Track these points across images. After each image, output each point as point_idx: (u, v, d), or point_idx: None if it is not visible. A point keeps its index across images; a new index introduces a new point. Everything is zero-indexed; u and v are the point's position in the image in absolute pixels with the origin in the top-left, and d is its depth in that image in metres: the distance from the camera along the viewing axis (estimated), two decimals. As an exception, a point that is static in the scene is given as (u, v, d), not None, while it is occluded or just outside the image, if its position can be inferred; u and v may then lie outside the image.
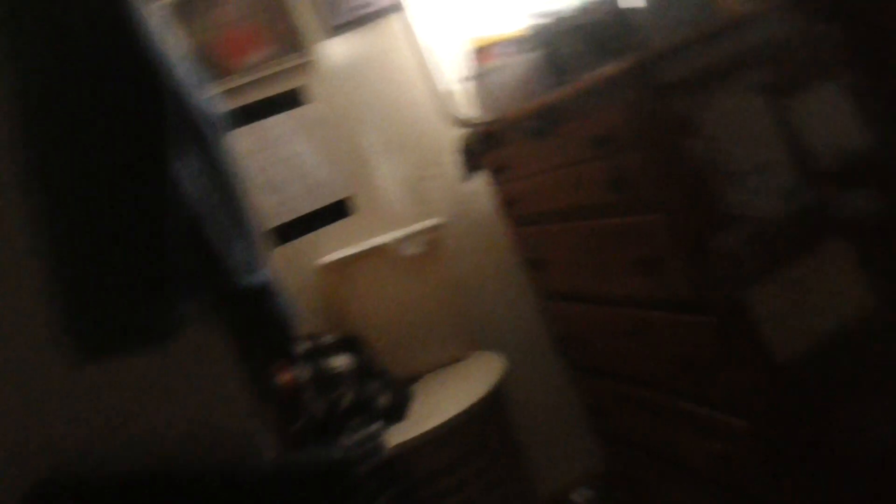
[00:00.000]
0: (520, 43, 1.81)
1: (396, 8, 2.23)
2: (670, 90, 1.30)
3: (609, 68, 1.34)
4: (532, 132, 1.61)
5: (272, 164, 2.12)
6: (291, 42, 2.10)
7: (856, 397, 1.42)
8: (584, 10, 1.62)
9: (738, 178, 1.35)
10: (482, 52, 1.87)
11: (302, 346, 2.04)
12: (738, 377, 1.36)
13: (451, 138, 2.17)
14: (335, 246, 2.14)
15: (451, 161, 2.24)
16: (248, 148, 2.11)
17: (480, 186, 2.25)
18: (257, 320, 1.16)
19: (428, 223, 2.11)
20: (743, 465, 1.42)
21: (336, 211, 2.17)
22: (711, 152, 1.33)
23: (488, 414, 1.92)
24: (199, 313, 1.06)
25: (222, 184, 1.09)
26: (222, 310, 1.09)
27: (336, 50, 2.21)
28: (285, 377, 1.94)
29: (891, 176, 1.45)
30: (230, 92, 2.07)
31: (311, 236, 2.16)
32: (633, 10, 1.53)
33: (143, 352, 0.99)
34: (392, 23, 2.26)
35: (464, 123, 2.01)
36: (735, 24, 1.41)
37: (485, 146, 1.92)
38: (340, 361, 2.03)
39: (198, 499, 1.10)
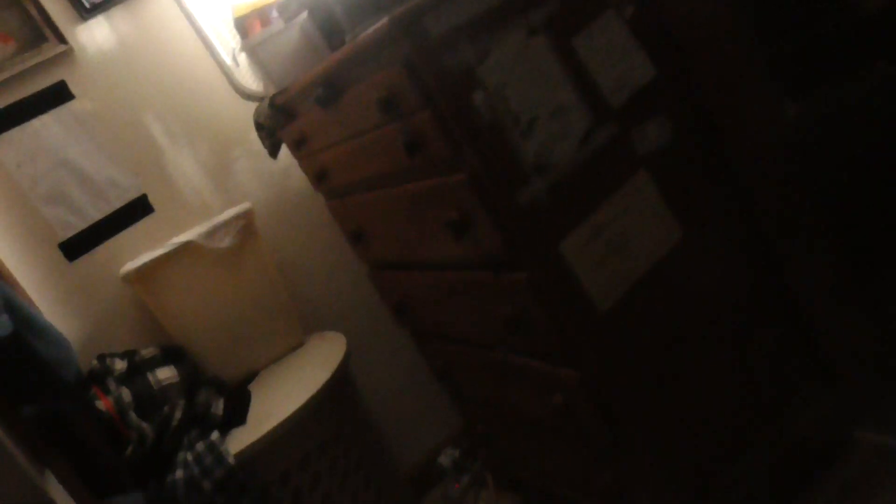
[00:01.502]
0: (282, 7, 1.65)
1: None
2: (446, 41, 1.22)
3: (377, 24, 1.23)
4: (318, 101, 1.49)
5: (48, 172, 1.88)
6: (38, 32, 1.83)
7: (679, 331, 1.43)
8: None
9: (532, 128, 1.29)
10: (248, 21, 1.70)
11: (119, 366, 1.86)
12: (563, 329, 1.33)
13: (246, 115, 2.00)
14: (138, 251, 1.94)
15: (251, 140, 2.08)
16: (17, 158, 1.85)
17: (291, 161, 2.11)
18: (10, 370, 1.00)
19: (237, 210, 1.95)
20: (581, 414, 1.41)
21: (131, 213, 1.96)
22: (501, 102, 1.26)
23: (335, 399, 1.83)
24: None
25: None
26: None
27: (97, 35, 1.96)
28: (103, 404, 1.76)
29: (678, 102, 1.45)
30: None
31: (108, 244, 1.95)
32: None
33: None
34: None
35: (252, 98, 1.85)
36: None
37: (278, 120, 1.77)
38: (164, 374, 1.86)
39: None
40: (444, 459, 2.31)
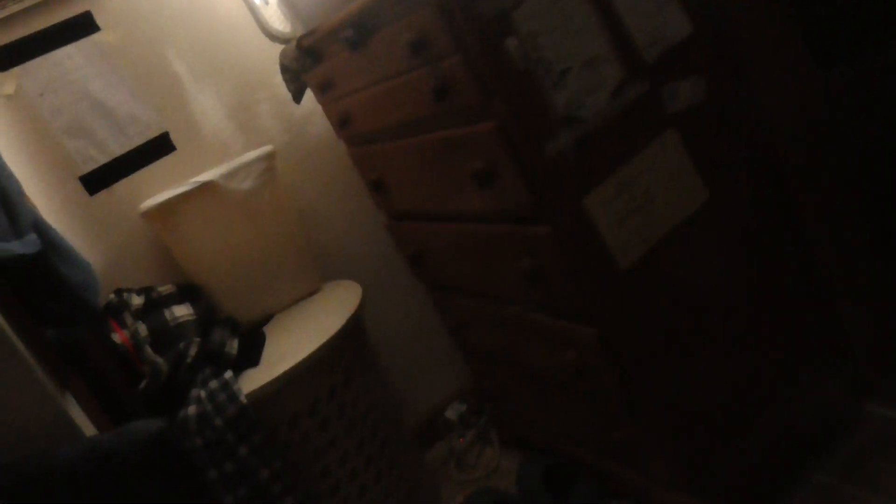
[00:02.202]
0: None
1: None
2: (482, -15, 1.19)
3: (414, -36, 1.21)
4: (347, 43, 1.47)
5: (70, 103, 1.87)
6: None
7: (697, 294, 1.43)
8: None
9: (564, 79, 1.27)
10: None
11: (136, 301, 1.87)
12: (583, 286, 1.33)
13: (272, 57, 1.98)
14: (158, 188, 1.94)
15: (276, 83, 2.06)
16: (39, 87, 1.85)
17: (315, 106, 2.09)
18: (35, 291, 1.00)
19: (259, 153, 1.94)
20: (596, 373, 1.41)
21: (153, 150, 1.96)
22: (534, 50, 1.24)
23: (348, 347, 1.84)
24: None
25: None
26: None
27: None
28: (119, 337, 1.78)
29: (712, 62, 1.42)
30: (2, 22, 1.79)
31: (128, 180, 1.94)
32: None
33: None
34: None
35: (279, 39, 1.83)
36: None
37: (305, 63, 1.76)
38: (181, 312, 1.87)
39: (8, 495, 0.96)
40: (451, 413, 2.33)
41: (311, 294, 2.07)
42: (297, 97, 1.95)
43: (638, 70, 1.34)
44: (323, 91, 1.78)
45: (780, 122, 1.48)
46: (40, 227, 1.11)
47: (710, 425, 1.45)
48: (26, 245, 0.97)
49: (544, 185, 1.28)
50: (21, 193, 1.09)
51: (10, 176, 1.09)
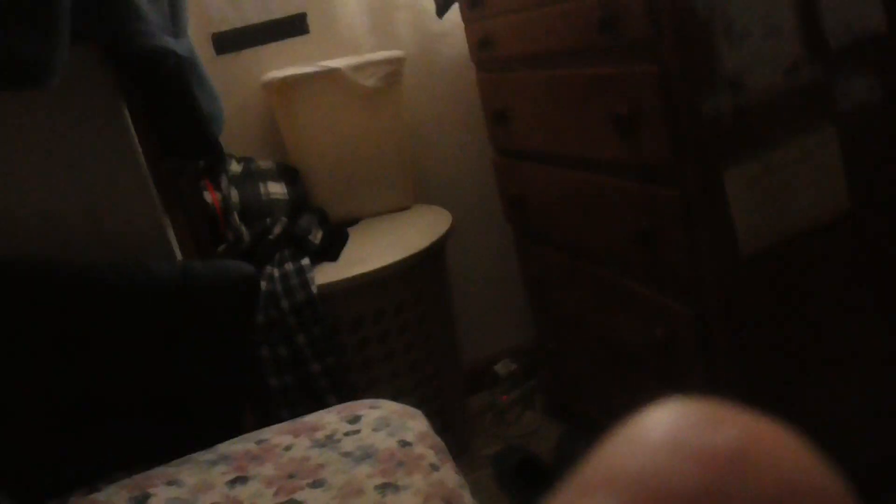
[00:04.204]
0: None
1: None
2: (690, -82, 1.12)
3: None
4: (521, -44, 1.41)
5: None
6: None
7: (816, 304, 1.35)
8: None
9: (742, 40, 1.20)
10: None
11: (234, 168, 1.87)
12: (695, 263, 1.26)
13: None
14: (282, 65, 1.93)
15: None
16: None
17: (453, 26, 2.04)
18: (169, 95, 0.98)
19: (389, 54, 1.91)
20: (680, 354, 1.35)
21: (288, 27, 1.94)
22: (721, 2, 1.17)
23: (425, 269, 1.81)
24: (96, 73, 0.88)
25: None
26: (126, 72, 0.91)
27: None
28: (211, 197, 1.78)
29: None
30: None
31: (257, 50, 1.93)
32: None
33: (7, 87, 0.80)
34: None
35: (444, -56, 1.78)
36: None
37: (464, -27, 1.71)
38: (275, 189, 1.87)
39: (91, 291, 0.96)
40: (501, 369, 2.29)
41: (400, 209, 2.05)
42: (442, 11, 1.90)
43: (818, 54, 1.25)
44: (471, 7, 1.73)
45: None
46: (187, 45, 1.09)
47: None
48: (181, 45, 0.96)
49: (689, 146, 1.21)
50: (186, -1, 1.07)
51: None
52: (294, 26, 1.95)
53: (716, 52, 1.18)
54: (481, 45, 1.74)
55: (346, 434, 1.01)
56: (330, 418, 1.04)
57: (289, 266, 1.73)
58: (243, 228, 1.75)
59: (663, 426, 0.18)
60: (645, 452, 0.17)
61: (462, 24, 1.85)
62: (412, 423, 1.05)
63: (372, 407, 1.09)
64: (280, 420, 1.70)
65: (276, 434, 1.03)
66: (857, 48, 1.28)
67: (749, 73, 1.21)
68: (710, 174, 1.22)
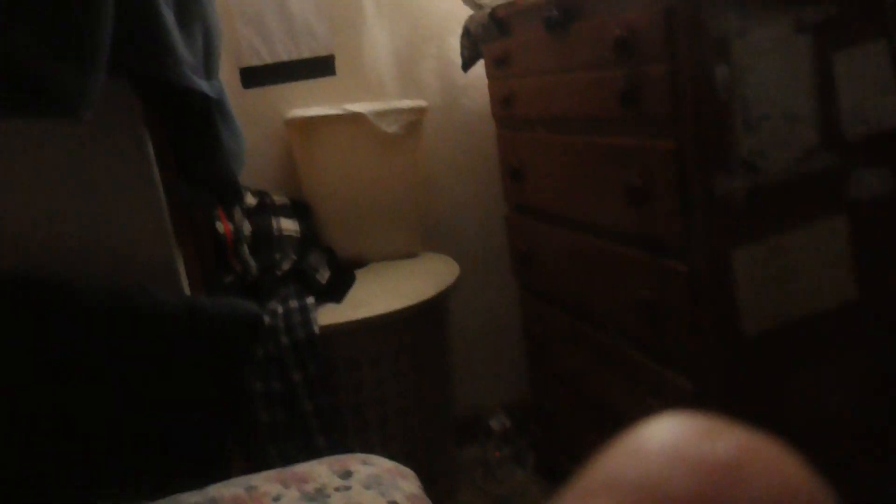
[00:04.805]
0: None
1: None
2: (715, 3, 1.15)
3: (655, -39, 1.17)
4: (547, 23, 1.44)
5: (257, -4, 1.91)
6: None
7: (810, 385, 1.34)
8: None
9: (759, 124, 1.21)
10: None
11: (249, 200, 1.89)
12: (697, 339, 1.26)
13: (456, 17, 1.97)
14: (306, 104, 1.96)
15: (448, 44, 2.06)
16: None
17: (476, 79, 2.08)
18: (194, 132, 1.00)
19: (412, 103, 1.94)
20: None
21: (315, 67, 1.98)
22: (740, 86, 1.19)
23: (427, 317, 1.81)
24: (124, 103, 0.90)
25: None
26: (153, 105, 0.93)
27: None
28: (224, 228, 1.80)
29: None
30: None
31: (283, 87, 1.97)
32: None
33: (34, 115, 0.82)
34: None
35: (473, 3, 1.82)
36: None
37: (490, 33, 1.74)
38: (287, 225, 1.89)
39: (91, 314, 0.97)
40: (495, 423, 2.27)
41: (408, 256, 2.06)
42: (467, 65, 1.94)
43: (834, 142, 1.26)
44: (497, 65, 1.76)
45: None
46: (217, 85, 1.12)
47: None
48: (212, 87, 0.98)
49: (699, 223, 1.22)
50: (221, 41, 1.10)
51: (219, 22, 1.09)
52: (321, 67, 1.99)
53: (732, 134, 1.19)
54: (503, 102, 1.76)
55: (337, 489, 1.00)
56: (321, 470, 1.03)
57: (293, 303, 1.73)
58: (252, 261, 1.77)
59: (663, 436, 0.19)
60: (645, 460, 0.18)
61: (486, 80, 1.88)
62: (403, 484, 1.05)
63: (364, 462, 1.08)
64: (265, 455, 1.70)
65: (265, 481, 1.03)
66: (874, 140, 1.29)
67: (764, 156, 1.22)
68: (719, 252, 1.23)
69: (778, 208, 1.25)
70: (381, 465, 1.09)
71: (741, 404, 1.29)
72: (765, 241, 1.26)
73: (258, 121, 1.97)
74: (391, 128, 1.85)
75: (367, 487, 1.01)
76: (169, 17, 0.83)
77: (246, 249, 1.77)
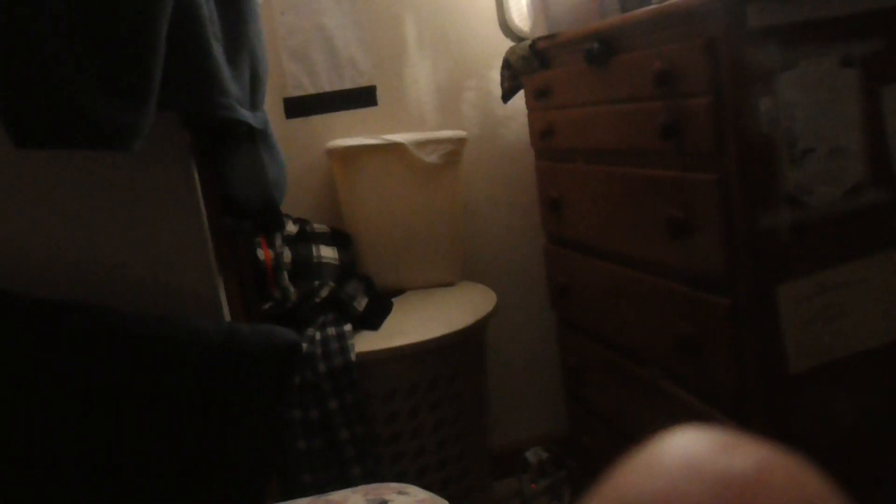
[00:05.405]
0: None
1: None
2: (759, 35, 1.14)
3: (698, -5, 1.17)
4: (587, 56, 1.45)
5: (304, 30, 1.95)
6: None
7: (855, 425, 1.30)
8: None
9: (804, 158, 1.20)
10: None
11: (290, 228, 1.91)
12: (741, 376, 1.23)
13: (497, 50, 1.99)
14: (347, 134, 1.99)
15: (488, 76, 2.07)
16: (282, 6, 1.93)
17: (515, 111, 2.09)
18: (239, 164, 1.02)
19: (452, 133, 1.95)
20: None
21: (357, 98, 2.01)
22: (785, 119, 1.17)
23: (464, 347, 1.81)
24: (172, 134, 0.92)
25: (235, 2, 0.93)
26: (199, 138, 0.95)
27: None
28: (264, 254, 1.82)
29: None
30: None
31: (325, 117, 2.00)
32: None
33: (88, 148, 0.84)
34: None
35: (512, 36, 1.83)
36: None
37: (530, 65, 1.75)
38: (326, 253, 1.90)
39: (132, 342, 0.98)
40: (531, 456, 2.25)
41: (446, 285, 2.06)
42: (507, 97, 1.95)
43: (882, 177, 1.24)
44: (537, 97, 1.77)
45: None
46: (262, 117, 1.14)
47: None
48: (257, 118, 1.00)
49: (743, 258, 1.20)
50: (267, 73, 1.12)
51: (265, 53, 1.12)
52: (363, 98, 2.02)
53: (777, 168, 1.18)
54: (543, 134, 1.77)
55: (371, 518, 1.00)
56: (356, 499, 1.03)
57: (331, 330, 1.74)
58: (291, 288, 1.78)
59: (679, 451, 0.19)
60: (662, 475, 0.18)
61: (525, 111, 1.89)
62: (438, 514, 1.04)
63: (399, 492, 1.07)
64: (300, 483, 1.70)
65: (301, 510, 1.03)
66: (923, 176, 1.26)
67: (810, 190, 1.20)
68: (763, 287, 1.20)
69: (825, 244, 1.23)
70: (416, 496, 1.08)
71: (784, 442, 1.25)
72: (811, 277, 1.23)
73: (300, 150, 2.00)
74: (430, 157, 1.86)
75: (402, 519, 1.00)
76: (218, 50, 0.85)
77: (285, 276, 1.79)
